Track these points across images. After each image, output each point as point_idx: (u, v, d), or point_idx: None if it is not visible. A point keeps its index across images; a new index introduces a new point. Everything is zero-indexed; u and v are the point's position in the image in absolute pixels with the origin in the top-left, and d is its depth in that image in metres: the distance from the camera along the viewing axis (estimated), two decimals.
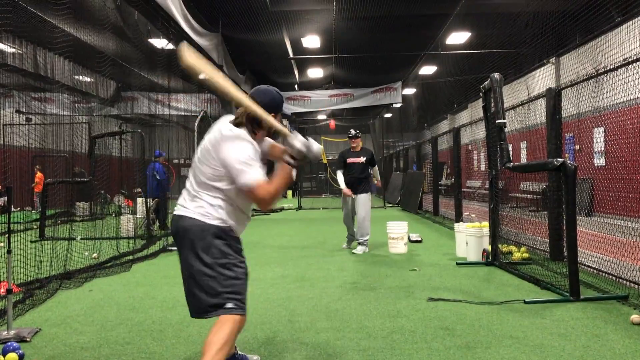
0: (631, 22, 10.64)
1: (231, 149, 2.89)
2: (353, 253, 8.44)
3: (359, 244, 8.56)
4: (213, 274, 2.94)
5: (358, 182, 8.55)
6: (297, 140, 2.93)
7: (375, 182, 9.05)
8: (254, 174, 2.86)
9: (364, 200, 8.49)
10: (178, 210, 3.07)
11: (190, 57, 2.75)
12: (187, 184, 3.10)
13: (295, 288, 5.98)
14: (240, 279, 3.01)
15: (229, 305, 2.92)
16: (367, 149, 8.88)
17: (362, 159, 8.64)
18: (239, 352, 3.60)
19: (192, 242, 2.97)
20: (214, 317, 2.97)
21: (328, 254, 8.51)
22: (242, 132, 2.99)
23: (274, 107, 3.12)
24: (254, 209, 15.97)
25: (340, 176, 8.69)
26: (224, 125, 3.05)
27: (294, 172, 2.98)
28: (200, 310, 2.99)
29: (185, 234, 2.99)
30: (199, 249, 2.95)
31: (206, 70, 2.81)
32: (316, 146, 2.99)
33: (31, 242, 8.88)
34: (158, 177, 11.88)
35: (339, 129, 31.50)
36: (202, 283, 2.95)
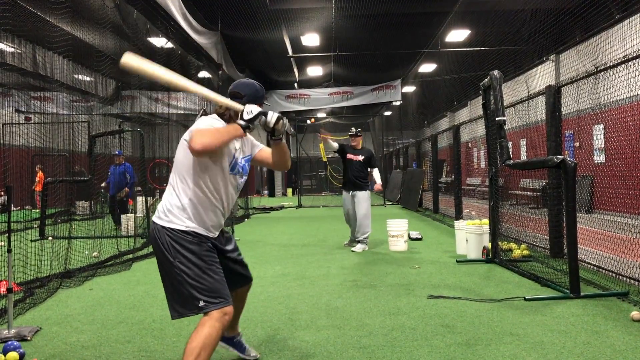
0: (631, 19, 10.63)
1: (193, 126, 2.95)
2: (352, 251, 8.44)
3: (358, 242, 8.56)
4: (178, 277, 2.89)
5: (356, 179, 8.53)
6: (254, 109, 2.95)
7: (375, 184, 8.91)
8: (198, 125, 2.93)
9: (363, 198, 8.48)
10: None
11: (128, 62, 2.86)
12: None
13: (296, 286, 5.99)
14: (207, 275, 2.92)
15: (201, 304, 2.87)
16: (367, 149, 8.85)
17: (361, 158, 8.61)
18: (241, 339, 3.61)
19: (157, 247, 2.98)
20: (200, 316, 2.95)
21: (328, 252, 8.52)
22: (210, 116, 3.08)
23: (260, 98, 3.17)
24: (254, 207, 15.99)
25: (336, 145, 8.65)
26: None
27: (239, 131, 2.94)
28: (174, 311, 2.96)
29: (153, 239, 3.01)
30: (162, 253, 2.94)
31: (147, 70, 2.91)
32: (273, 117, 2.95)
33: (31, 241, 8.88)
34: (129, 177, 12.09)
35: (338, 127, 31.50)
36: (170, 285, 2.94)
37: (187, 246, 2.92)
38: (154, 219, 3.04)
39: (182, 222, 2.95)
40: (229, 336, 3.56)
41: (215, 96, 3.02)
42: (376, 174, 8.80)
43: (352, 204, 8.59)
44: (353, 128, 8.83)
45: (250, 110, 2.92)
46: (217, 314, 2.86)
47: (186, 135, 2.99)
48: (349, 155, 8.62)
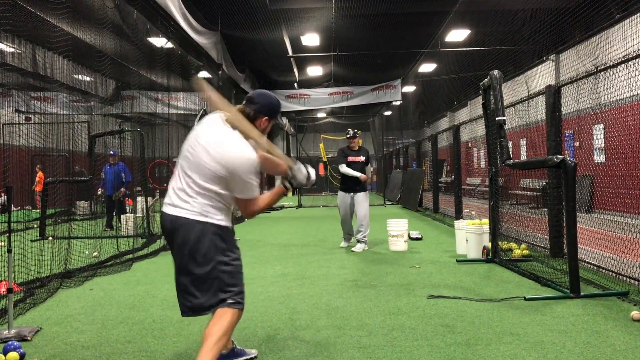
0: (630, 18, 10.63)
1: (241, 162, 2.96)
2: (352, 251, 8.45)
3: (359, 241, 8.56)
4: (214, 273, 2.98)
5: (357, 180, 8.57)
6: (300, 172, 3.15)
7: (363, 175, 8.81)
8: (255, 190, 3.03)
9: (363, 198, 8.53)
10: (173, 210, 3.05)
11: (200, 86, 3.24)
12: (181, 183, 3.07)
13: (296, 286, 5.99)
14: (240, 273, 3.11)
15: (230, 300, 3.01)
16: (364, 148, 8.93)
17: (362, 158, 8.68)
18: (237, 347, 3.66)
19: (192, 241, 2.98)
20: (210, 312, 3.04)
21: (328, 252, 8.52)
22: (249, 145, 3.04)
23: (271, 112, 3.23)
24: None
25: (347, 168, 8.63)
26: (230, 132, 3.05)
27: (282, 193, 3.21)
28: (198, 308, 3.03)
29: (185, 234, 3.00)
30: (199, 248, 2.98)
31: (210, 96, 3.21)
32: (313, 175, 3.19)
33: (31, 241, 8.89)
34: (124, 176, 12.11)
35: (337, 127, 31.50)
36: (202, 281, 2.99)
37: (228, 240, 3.08)
38: (194, 217, 3.00)
39: (225, 220, 3.08)
40: (228, 351, 3.56)
41: (280, 160, 3.17)
42: (368, 168, 9.00)
43: (351, 205, 8.60)
44: (350, 130, 8.86)
45: (303, 175, 3.18)
46: (237, 312, 3.04)
47: (240, 175, 2.96)
48: (350, 158, 8.67)
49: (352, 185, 8.59)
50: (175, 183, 3.10)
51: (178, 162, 3.15)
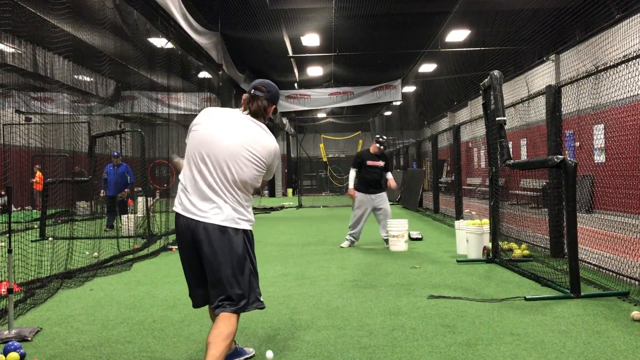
0: (631, 18, 10.62)
1: (277, 156, 3.37)
2: (386, 247, 8.67)
3: (386, 239, 8.79)
4: (249, 271, 3.18)
5: (378, 182, 8.93)
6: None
7: (389, 181, 9.15)
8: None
9: (385, 197, 8.96)
10: (200, 216, 3.10)
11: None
12: (208, 183, 3.12)
13: (296, 286, 5.99)
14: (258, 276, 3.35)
15: (262, 298, 3.27)
16: (384, 154, 9.14)
17: (381, 163, 8.94)
18: (239, 346, 3.71)
19: (233, 246, 3.13)
20: (219, 313, 3.10)
21: (328, 252, 8.52)
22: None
23: (276, 100, 3.45)
24: (254, 207, 16.09)
25: (352, 175, 8.91)
26: (268, 134, 3.29)
27: None
28: (237, 300, 3.13)
29: (223, 232, 3.11)
30: (242, 246, 3.16)
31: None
32: None
33: (32, 241, 8.89)
34: (129, 178, 12.16)
35: (338, 127, 31.53)
36: (241, 278, 3.14)
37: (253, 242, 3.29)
38: (229, 224, 3.12)
39: (251, 221, 3.26)
40: (232, 350, 3.59)
41: None
42: (390, 175, 9.21)
43: (372, 206, 8.82)
44: (383, 137, 9.15)
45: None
46: (238, 318, 3.16)
47: (263, 167, 3.23)
48: (370, 162, 8.88)
49: (373, 187, 8.86)
50: (203, 184, 3.28)
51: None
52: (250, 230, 3.23)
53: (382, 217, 8.87)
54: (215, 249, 3.06)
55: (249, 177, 3.15)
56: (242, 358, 3.65)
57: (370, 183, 8.85)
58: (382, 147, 8.96)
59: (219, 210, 3.08)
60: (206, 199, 3.09)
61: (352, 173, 8.92)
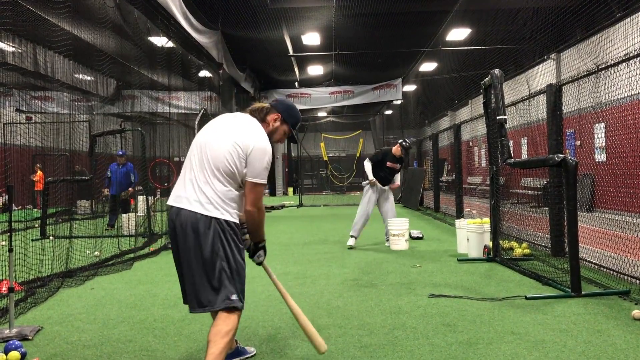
0: (632, 17, 10.61)
1: (264, 156, 3.08)
2: (387, 246, 8.69)
3: (388, 236, 8.80)
4: (225, 267, 2.98)
5: (388, 182, 9.03)
6: (259, 256, 3.48)
7: (394, 184, 9.26)
8: (265, 177, 3.11)
9: (390, 191, 9.09)
10: (185, 204, 3.02)
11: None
12: (195, 176, 3.05)
13: (297, 285, 5.99)
14: (244, 272, 3.12)
15: (234, 297, 3.00)
16: (404, 159, 9.24)
17: (398, 166, 9.08)
18: (240, 345, 3.71)
19: (203, 235, 2.97)
20: (217, 310, 3.01)
21: (329, 251, 8.52)
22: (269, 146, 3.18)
23: (286, 113, 3.34)
24: None
25: (369, 166, 8.99)
26: (254, 128, 3.16)
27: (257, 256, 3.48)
28: (205, 303, 3.00)
29: (195, 228, 2.97)
30: (211, 242, 2.96)
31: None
32: (258, 260, 3.51)
33: (32, 240, 8.89)
34: (133, 177, 12.18)
35: (338, 126, 31.51)
36: (206, 276, 2.98)
37: (237, 240, 3.06)
38: (195, 209, 2.98)
39: (235, 216, 3.07)
40: (233, 350, 3.60)
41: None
42: (397, 178, 9.36)
43: (377, 197, 8.93)
44: (404, 141, 9.17)
45: (260, 254, 3.46)
46: (238, 315, 3.03)
47: (254, 170, 3.05)
48: (389, 164, 8.97)
49: (385, 182, 8.97)
50: (190, 177, 3.21)
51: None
52: (228, 221, 3.01)
53: (389, 210, 8.94)
54: (186, 237, 2.99)
55: (224, 164, 3.00)
56: (243, 357, 3.65)
57: (381, 180, 8.96)
58: (404, 152, 9.04)
59: (195, 196, 3.00)
60: (186, 187, 3.06)
61: (369, 165, 8.98)
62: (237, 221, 3.07)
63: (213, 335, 2.94)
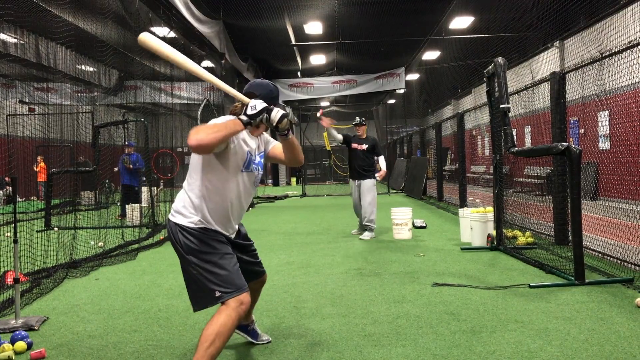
0: (636, 4, 10.52)
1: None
2: (360, 239, 8.48)
3: (366, 229, 8.60)
4: (193, 270, 2.99)
5: (360, 169, 8.62)
6: (251, 104, 2.83)
7: (379, 171, 8.92)
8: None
9: (368, 186, 8.55)
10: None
11: (146, 42, 2.84)
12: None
13: (301, 274, 6.01)
14: (219, 266, 2.97)
15: (217, 294, 2.92)
16: (372, 137, 8.91)
17: (365, 147, 8.68)
18: (255, 326, 3.74)
19: (172, 244, 3.07)
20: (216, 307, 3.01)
21: (333, 241, 8.53)
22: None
23: (259, 88, 3.08)
24: (258, 196, 16.05)
25: (339, 136, 8.74)
26: None
27: (238, 126, 2.81)
28: (196, 305, 3.05)
29: (169, 237, 3.10)
30: (177, 249, 3.04)
31: (163, 51, 2.85)
32: (276, 114, 2.82)
33: (37, 231, 8.92)
34: (138, 164, 12.38)
35: (342, 116, 31.44)
36: (188, 279, 3.05)
37: (197, 241, 2.98)
38: (169, 216, 3.10)
39: (192, 219, 3.01)
40: (245, 324, 3.68)
41: (224, 86, 3.00)
42: (382, 161, 8.95)
43: (358, 193, 8.64)
44: (357, 117, 8.90)
45: (255, 105, 2.81)
46: (233, 303, 2.90)
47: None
48: (354, 145, 8.72)
49: (356, 173, 8.65)
50: None
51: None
52: (177, 224, 3.00)
53: (363, 206, 8.57)
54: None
55: (194, 158, 3.02)
56: (249, 338, 3.71)
57: (354, 169, 8.70)
58: (362, 126, 8.76)
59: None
60: None
61: (340, 135, 8.81)
62: (190, 223, 2.99)
63: (204, 330, 2.85)
